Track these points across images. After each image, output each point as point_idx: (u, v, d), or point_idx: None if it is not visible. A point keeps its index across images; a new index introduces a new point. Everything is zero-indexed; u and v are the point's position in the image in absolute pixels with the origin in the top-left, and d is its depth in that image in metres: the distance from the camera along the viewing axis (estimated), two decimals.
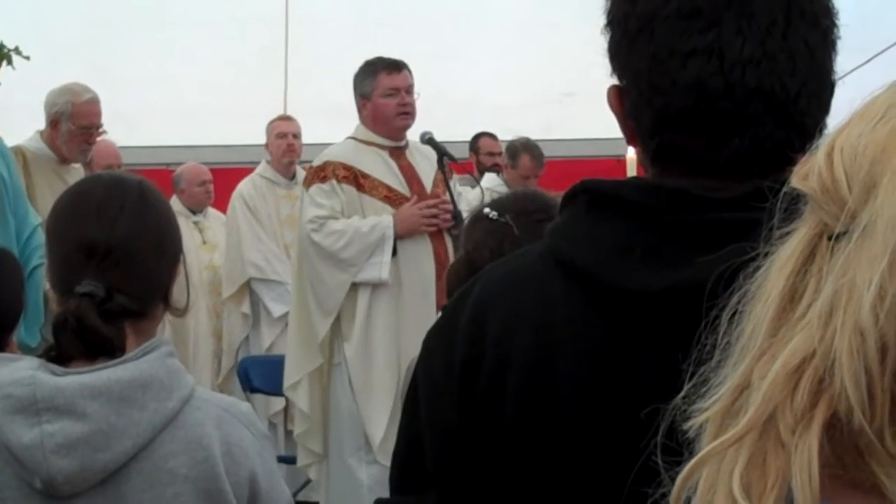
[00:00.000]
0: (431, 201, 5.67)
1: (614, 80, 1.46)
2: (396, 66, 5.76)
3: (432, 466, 1.43)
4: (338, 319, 5.78)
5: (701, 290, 1.03)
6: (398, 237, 5.60)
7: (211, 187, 7.83)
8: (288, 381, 5.96)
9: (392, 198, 5.70)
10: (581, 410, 1.33)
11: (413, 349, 5.90)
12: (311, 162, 6.46)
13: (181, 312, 2.29)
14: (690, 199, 1.32)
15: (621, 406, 1.28)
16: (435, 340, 1.49)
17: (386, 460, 5.55)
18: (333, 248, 5.66)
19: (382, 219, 5.63)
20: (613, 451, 1.29)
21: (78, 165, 5.97)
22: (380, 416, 5.62)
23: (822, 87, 1.39)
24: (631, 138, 1.44)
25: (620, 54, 1.41)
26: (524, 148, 8.15)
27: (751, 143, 1.36)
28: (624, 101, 1.43)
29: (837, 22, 1.41)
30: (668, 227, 1.31)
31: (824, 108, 1.39)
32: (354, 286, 5.71)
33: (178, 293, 2.24)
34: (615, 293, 1.33)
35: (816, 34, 1.39)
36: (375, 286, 5.67)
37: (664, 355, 1.17)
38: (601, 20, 1.46)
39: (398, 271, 5.65)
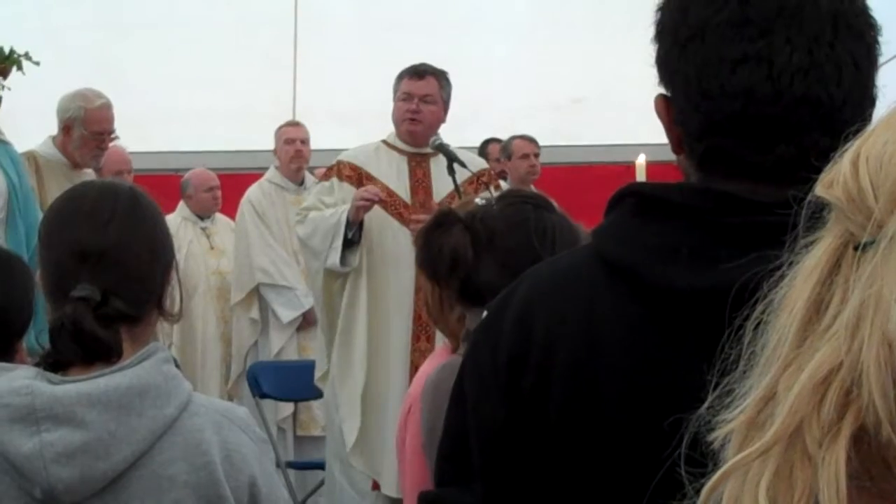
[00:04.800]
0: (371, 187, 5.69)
1: (661, 89, 1.49)
2: (418, 73, 5.78)
3: (479, 459, 1.48)
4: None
5: (746, 291, 1.04)
6: (352, 221, 5.62)
7: (218, 193, 7.84)
8: (317, 373, 6.04)
9: (389, 202, 5.73)
10: (624, 410, 1.37)
11: (386, 339, 5.88)
12: (319, 167, 6.50)
13: (174, 318, 2.28)
14: (737, 201, 1.35)
15: (666, 406, 1.29)
16: (482, 337, 1.53)
17: (357, 463, 5.61)
18: (306, 236, 5.77)
19: (343, 206, 5.66)
20: (656, 452, 1.29)
21: (89, 170, 5.98)
22: (352, 413, 5.66)
23: (864, 99, 1.44)
24: (678, 145, 1.48)
25: (671, 62, 1.45)
26: (512, 138, 8.19)
27: (796, 149, 1.39)
28: (671, 109, 1.47)
29: (879, 38, 1.45)
30: (714, 228, 1.34)
31: (866, 119, 1.42)
32: (343, 283, 5.74)
33: (170, 300, 2.24)
34: (661, 292, 1.36)
35: (861, 47, 1.42)
36: (354, 283, 5.70)
37: (710, 355, 1.18)
38: (651, 28, 1.50)
39: (382, 264, 5.67)
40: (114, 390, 2.04)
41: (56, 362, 2.10)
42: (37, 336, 2.19)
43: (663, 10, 1.47)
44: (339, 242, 5.61)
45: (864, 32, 1.43)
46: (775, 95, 1.39)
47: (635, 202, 1.44)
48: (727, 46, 1.40)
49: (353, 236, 5.63)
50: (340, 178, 5.79)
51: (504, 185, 7.53)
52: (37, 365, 2.13)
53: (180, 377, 2.14)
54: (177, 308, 2.25)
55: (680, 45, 1.43)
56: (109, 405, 2.03)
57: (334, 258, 5.64)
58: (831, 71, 1.40)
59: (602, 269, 1.42)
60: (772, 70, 1.39)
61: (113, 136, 5.91)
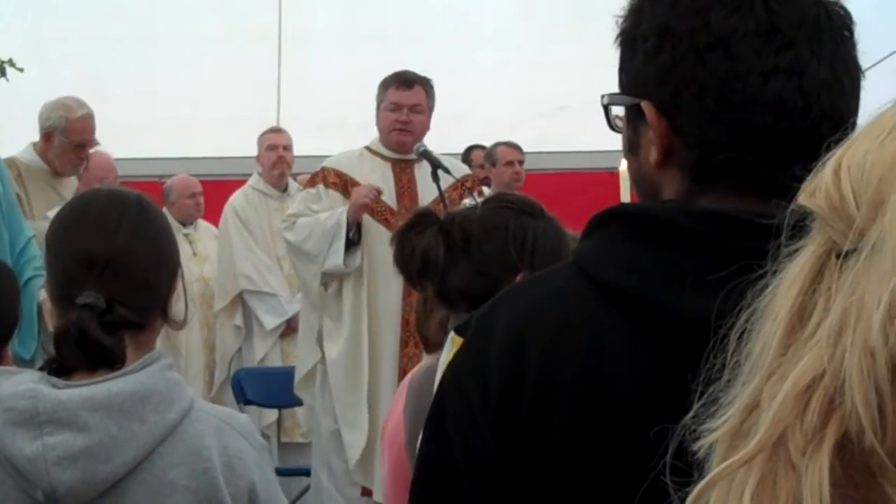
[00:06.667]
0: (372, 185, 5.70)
1: (612, 90, 1.45)
2: (406, 82, 5.79)
3: (471, 500, 1.39)
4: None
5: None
6: (352, 221, 5.64)
7: (201, 199, 7.84)
8: (297, 377, 6.05)
9: (375, 209, 5.74)
10: (631, 437, 1.31)
11: (384, 344, 5.90)
12: (302, 174, 6.49)
13: (179, 325, 2.31)
14: (745, 225, 1.29)
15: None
16: (464, 366, 1.43)
17: (361, 479, 5.60)
18: (299, 241, 5.78)
19: (339, 208, 5.66)
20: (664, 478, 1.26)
21: (72, 177, 5.96)
22: (358, 433, 5.66)
23: (857, 111, 1.41)
24: (664, 156, 1.41)
25: (683, 68, 1.39)
26: (496, 144, 8.18)
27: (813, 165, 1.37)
28: (662, 118, 1.41)
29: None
30: (720, 253, 1.27)
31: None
32: (340, 286, 5.74)
33: (175, 306, 2.25)
34: (668, 320, 1.31)
35: (857, 59, 1.42)
36: (354, 284, 5.70)
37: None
38: (613, 32, 1.44)
39: (371, 270, 5.68)
40: (116, 395, 2.06)
41: (60, 367, 2.12)
42: (41, 343, 2.22)
43: (667, 13, 1.40)
44: (340, 243, 5.63)
45: (854, 43, 1.42)
46: (805, 109, 1.36)
47: (627, 224, 1.37)
48: (755, 57, 1.36)
49: (353, 237, 5.65)
50: (326, 184, 5.81)
51: (487, 191, 7.53)
52: (41, 370, 2.16)
53: (183, 383, 2.16)
54: (182, 315, 2.27)
55: (697, 53, 1.38)
56: (112, 410, 2.05)
57: (336, 259, 5.64)
58: (848, 85, 1.39)
59: (594, 294, 1.36)
60: (802, 83, 1.36)
61: (94, 143, 5.89)
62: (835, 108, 1.37)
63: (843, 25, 1.41)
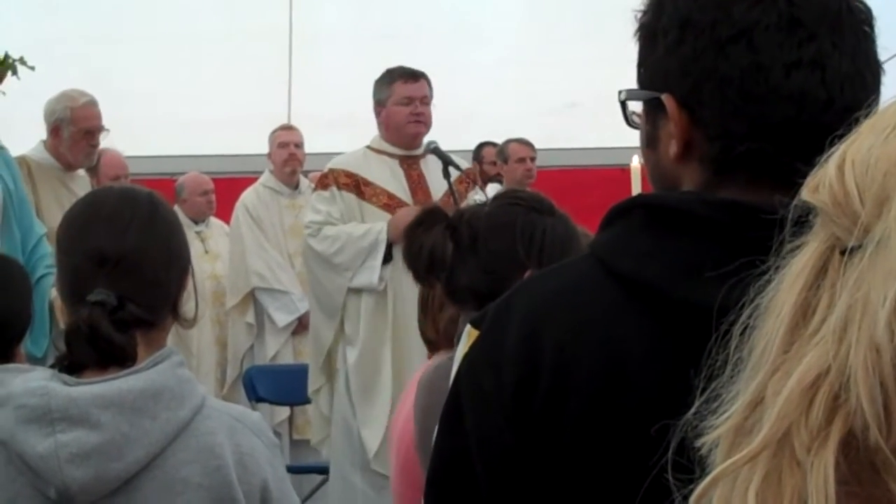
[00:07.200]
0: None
1: (625, 84, 1.44)
2: (413, 76, 5.81)
3: (487, 490, 1.39)
4: (342, 324, 5.83)
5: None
6: (391, 242, 5.63)
7: (213, 197, 7.85)
8: (311, 387, 6.03)
9: (392, 205, 5.74)
10: (648, 429, 1.27)
11: (409, 355, 5.94)
12: (313, 171, 6.48)
13: (189, 323, 2.31)
14: (762, 216, 1.25)
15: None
16: (480, 358, 1.43)
17: (380, 468, 5.58)
18: (327, 252, 5.74)
19: (376, 224, 5.67)
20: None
21: (83, 173, 5.99)
22: (377, 423, 5.65)
23: (877, 106, 1.40)
24: (686, 147, 1.41)
25: (704, 60, 1.38)
26: (508, 141, 8.19)
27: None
28: (683, 110, 1.40)
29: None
30: (737, 243, 1.26)
31: None
32: (358, 290, 5.75)
33: (186, 304, 2.26)
34: (685, 310, 1.30)
35: (877, 55, 1.42)
36: (376, 291, 5.71)
37: None
38: (633, 26, 1.44)
39: (398, 277, 5.67)
40: (128, 392, 2.06)
41: (71, 365, 2.13)
42: (52, 341, 2.23)
43: (689, 6, 1.40)
44: (376, 262, 5.64)
45: (874, 37, 1.42)
46: (828, 102, 1.36)
47: (645, 213, 1.37)
48: (778, 49, 1.36)
49: (385, 255, 5.68)
50: (339, 186, 5.79)
51: (491, 186, 7.55)
52: (52, 367, 2.16)
53: (194, 381, 2.17)
54: (192, 313, 2.28)
55: (718, 45, 1.37)
56: (123, 407, 2.05)
57: (370, 277, 5.65)
58: (870, 79, 1.39)
59: (611, 284, 1.36)
60: (825, 76, 1.36)
61: (103, 129, 5.91)
62: (857, 101, 1.35)
63: (863, 20, 1.41)
